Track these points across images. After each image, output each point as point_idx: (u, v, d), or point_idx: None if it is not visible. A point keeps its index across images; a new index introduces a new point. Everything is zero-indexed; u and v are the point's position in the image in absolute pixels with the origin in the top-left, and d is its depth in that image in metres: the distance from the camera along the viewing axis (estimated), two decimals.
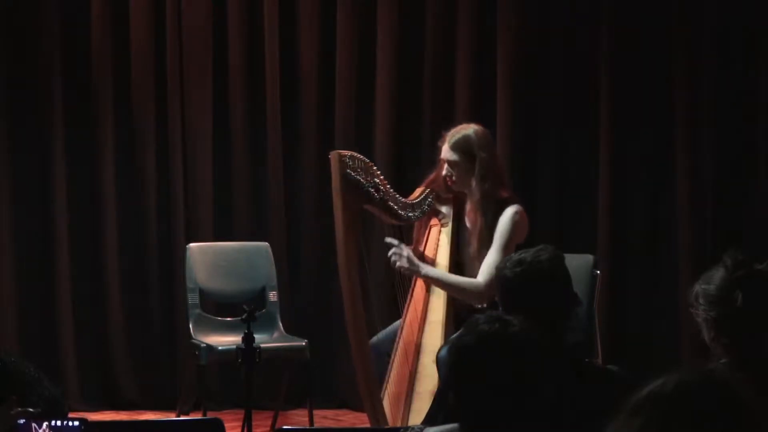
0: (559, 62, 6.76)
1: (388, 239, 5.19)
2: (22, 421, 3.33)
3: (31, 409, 3.41)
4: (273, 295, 6.29)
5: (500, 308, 3.52)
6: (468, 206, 5.20)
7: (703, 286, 2.90)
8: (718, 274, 2.89)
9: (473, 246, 5.18)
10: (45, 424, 3.30)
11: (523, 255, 3.50)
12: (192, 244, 6.35)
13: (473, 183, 5.12)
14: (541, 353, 2.65)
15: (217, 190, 6.95)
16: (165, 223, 6.91)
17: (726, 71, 6.59)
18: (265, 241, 6.54)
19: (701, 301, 2.89)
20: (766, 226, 6.47)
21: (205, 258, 6.31)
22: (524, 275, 3.45)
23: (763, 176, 6.54)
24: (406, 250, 5.16)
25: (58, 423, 3.30)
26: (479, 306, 5.06)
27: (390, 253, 5.15)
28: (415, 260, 5.14)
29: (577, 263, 5.14)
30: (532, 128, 6.82)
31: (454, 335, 5.00)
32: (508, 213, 5.12)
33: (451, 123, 6.77)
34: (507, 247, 5.07)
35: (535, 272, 3.46)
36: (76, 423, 3.30)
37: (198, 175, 6.92)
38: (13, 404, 3.43)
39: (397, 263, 5.13)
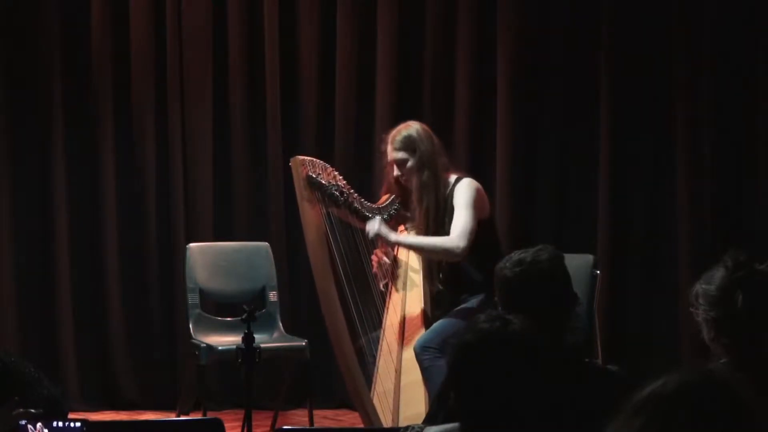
0: (559, 62, 6.76)
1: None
2: (23, 422, 3.32)
3: (32, 410, 3.41)
4: (273, 295, 6.29)
5: (500, 308, 3.52)
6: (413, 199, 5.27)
7: (703, 286, 2.90)
8: (718, 274, 2.89)
9: (416, 234, 5.24)
10: (46, 425, 3.29)
11: (523, 255, 3.50)
12: (192, 244, 6.35)
13: (413, 175, 5.19)
14: (541, 353, 2.65)
15: (217, 190, 6.95)
16: (165, 223, 6.91)
17: (726, 71, 6.59)
18: (265, 241, 6.54)
19: (701, 301, 2.89)
20: (766, 226, 6.47)
21: (205, 258, 6.31)
22: (524, 275, 3.45)
23: (763, 176, 6.53)
24: (377, 221, 5.23)
25: (60, 424, 3.29)
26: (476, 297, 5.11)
27: (367, 231, 5.24)
28: (387, 228, 5.21)
29: (577, 263, 5.15)
30: (532, 128, 6.82)
31: (432, 326, 5.10)
32: (465, 183, 5.24)
33: (451, 123, 6.81)
34: (470, 208, 5.15)
35: (535, 272, 3.46)
36: (78, 424, 3.29)
37: (198, 175, 6.92)
38: (15, 405, 3.42)
39: (371, 232, 5.19)
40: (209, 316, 6.22)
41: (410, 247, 5.27)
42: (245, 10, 6.90)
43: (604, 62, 6.66)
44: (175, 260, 6.75)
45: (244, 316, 4.61)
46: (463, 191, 5.19)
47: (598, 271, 5.51)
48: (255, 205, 7.00)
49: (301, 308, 6.88)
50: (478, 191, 5.22)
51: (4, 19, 6.76)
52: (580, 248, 5.78)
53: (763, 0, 6.56)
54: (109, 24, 6.83)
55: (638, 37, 6.67)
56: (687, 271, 6.38)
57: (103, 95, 6.84)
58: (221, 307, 6.39)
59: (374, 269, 5.31)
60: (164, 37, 6.85)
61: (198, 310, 6.17)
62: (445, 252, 5.16)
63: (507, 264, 3.50)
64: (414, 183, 5.22)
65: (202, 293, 6.23)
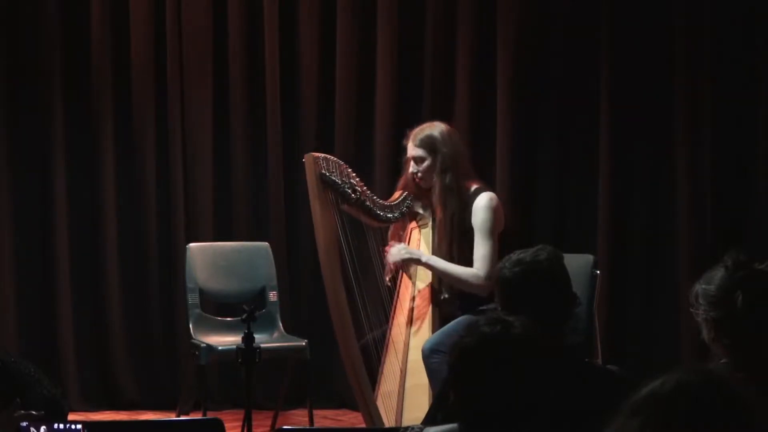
0: (559, 62, 6.76)
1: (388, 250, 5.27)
2: (24, 423, 3.32)
3: (34, 412, 3.40)
4: (273, 295, 6.29)
5: (499, 308, 3.51)
6: (433, 201, 5.26)
7: (703, 286, 2.90)
8: (718, 275, 2.89)
9: (437, 238, 5.24)
10: (47, 427, 3.29)
11: (522, 255, 3.50)
12: (192, 244, 6.35)
13: (435, 177, 5.19)
14: (541, 354, 2.65)
15: (217, 190, 6.95)
16: (165, 223, 6.91)
17: (726, 70, 6.58)
18: (265, 241, 6.54)
19: (701, 301, 2.89)
20: (766, 226, 6.47)
21: (205, 258, 6.31)
22: (523, 275, 3.45)
23: (763, 176, 6.53)
24: (402, 244, 5.27)
25: (60, 426, 3.29)
26: (486, 306, 5.09)
27: (389, 255, 5.23)
28: (413, 249, 5.22)
29: (577, 263, 5.15)
30: (532, 128, 6.82)
31: (439, 330, 5.09)
32: (483, 201, 5.20)
33: (451, 123, 6.80)
34: (491, 235, 5.15)
35: (535, 272, 3.45)
36: (79, 426, 3.29)
37: (198, 175, 6.92)
38: (17, 407, 3.41)
39: (397, 257, 5.20)
40: (209, 316, 6.22)
41: (438, 272, 5.25)
42: (245, 10, 6.90)
43: (604, 62, 6.66)
44: (175, 260, 6.75)
45: (244, 316, 4.61)
46: (483, 214, 5.18)
47: (598, 271, 5.51)
48: (255, 205, 7.00)
49: (301, 308, 6.89)
50: (496, 211, 5.21)
51: (4, 19, 6.76)
52: (580, 248, 5.78)
53: (763, 0, 6.56)
54: (109, 24, 6.83)
55: (638, 37, 6.67)
56: (687, 271, 6.37)
57: (103, 95, 6.84)
58: (221, 307, 6.39)
59: (387, 257, 5.31)
60: (164, 37, 6.85)
61: (198, 310, 6.17)
62: (471, 287, 5.18)
63: (506, 264, 3.50)
64: (437, 186, 5.21)
65: (202, 293, 6.23)
